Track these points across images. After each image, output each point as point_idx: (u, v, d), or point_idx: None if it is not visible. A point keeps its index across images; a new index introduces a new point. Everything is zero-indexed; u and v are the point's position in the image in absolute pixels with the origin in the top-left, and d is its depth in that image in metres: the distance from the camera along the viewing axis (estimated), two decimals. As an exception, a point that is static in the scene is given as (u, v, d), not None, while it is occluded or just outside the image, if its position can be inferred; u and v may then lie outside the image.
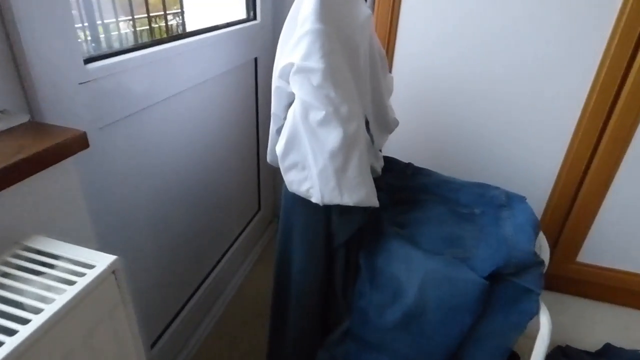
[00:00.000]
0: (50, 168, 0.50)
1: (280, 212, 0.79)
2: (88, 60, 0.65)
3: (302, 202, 0.72)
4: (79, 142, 0.53)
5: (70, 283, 0.41)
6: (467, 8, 1.11)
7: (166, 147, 0.90)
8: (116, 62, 0.69)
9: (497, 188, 0.98)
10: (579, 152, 1.16)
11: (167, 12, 1.06)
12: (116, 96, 0.71)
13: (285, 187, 0.72)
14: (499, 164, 1.27)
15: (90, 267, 0.44)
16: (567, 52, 1.08)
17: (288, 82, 0.67)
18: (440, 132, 1.29)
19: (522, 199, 0.93)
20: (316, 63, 0.62)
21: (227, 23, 1.13)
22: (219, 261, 1.25)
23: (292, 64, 0.63)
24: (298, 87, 0.63)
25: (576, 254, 1.32)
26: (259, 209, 1.53)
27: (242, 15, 1.24)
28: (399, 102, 1.21)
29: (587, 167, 1.18)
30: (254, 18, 1.26)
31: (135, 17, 0.95)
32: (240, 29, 1.15)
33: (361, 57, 0.75)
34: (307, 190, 0.69)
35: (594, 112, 1.11)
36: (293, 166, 0.68)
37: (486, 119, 1.22)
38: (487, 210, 0.93)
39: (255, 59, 1.28)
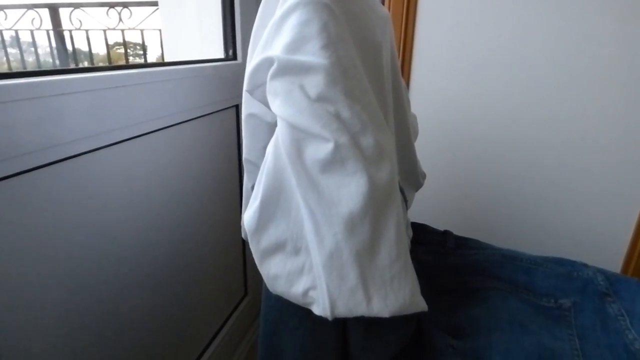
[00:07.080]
0: None
1: (260, 329, 0.45)
2: None
3: (295, 313, 0.40)
4: None
5: None
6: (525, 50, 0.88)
7: (110, 211, 0.60)
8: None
9: (586, 265, 0.66)
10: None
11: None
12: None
13: (265, 286, 0.40)
14: (547, 228, 1.00)
15: None
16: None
17: (267, 104, 0.38)
18: (474, 186, 1.01)
19: (634, 283, 0.60)
20: (315, 56, 0.33)
21: (198, 60, 0.89)
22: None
23: (270, 60, 0.34)
24: (282, 102, 0.34)
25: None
26: (246, 293, 1.21)
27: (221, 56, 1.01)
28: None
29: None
30: (234, 58, 1.03)
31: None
32: (216, 66, 0.91)
33: (384, 67, 0.47)
34: (305, 292, 0.37)
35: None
36: (276, 248, 0.37)
37: (534, 167, 0.98)
38: (582, 302, 0.61)
39: (237, 107, 1.03)
